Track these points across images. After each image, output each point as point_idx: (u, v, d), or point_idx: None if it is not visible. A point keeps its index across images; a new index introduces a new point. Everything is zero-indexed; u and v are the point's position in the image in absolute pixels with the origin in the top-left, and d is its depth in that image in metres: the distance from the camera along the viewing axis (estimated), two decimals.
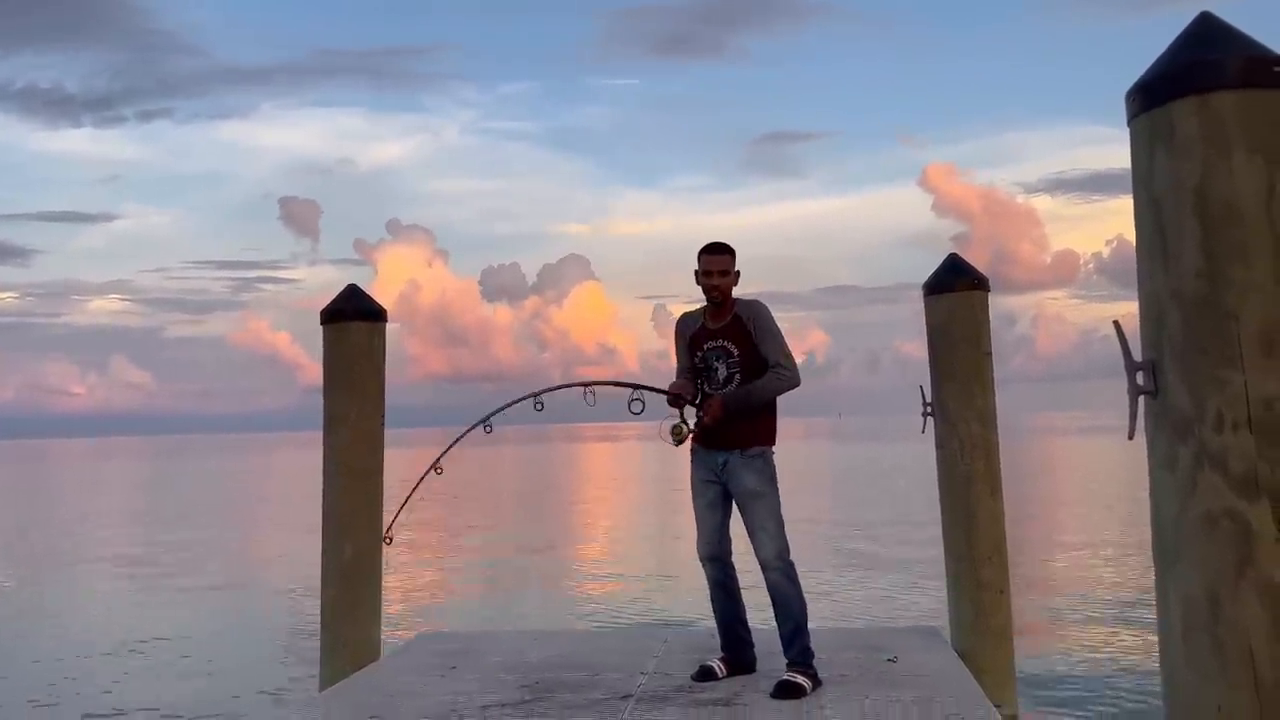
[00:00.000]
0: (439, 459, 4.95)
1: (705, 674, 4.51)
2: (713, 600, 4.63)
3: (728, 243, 4.56)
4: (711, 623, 4.78)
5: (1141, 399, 2.07)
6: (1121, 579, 12.11)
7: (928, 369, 5.19)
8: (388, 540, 5.10)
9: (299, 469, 47.47)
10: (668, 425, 4.48)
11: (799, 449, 55.94)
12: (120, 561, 16.83)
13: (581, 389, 4.85)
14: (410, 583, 13.29)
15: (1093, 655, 8.44)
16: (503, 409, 4.82)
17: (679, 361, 4.68)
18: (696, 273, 4.52)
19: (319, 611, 5.20)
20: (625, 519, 23.54)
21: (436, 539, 18.55)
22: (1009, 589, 4.99)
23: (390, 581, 5.32)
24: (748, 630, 4.65)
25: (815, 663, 4.38)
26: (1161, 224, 2.05)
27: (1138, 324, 2.16)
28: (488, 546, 17.90)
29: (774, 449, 4.53)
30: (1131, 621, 9.69)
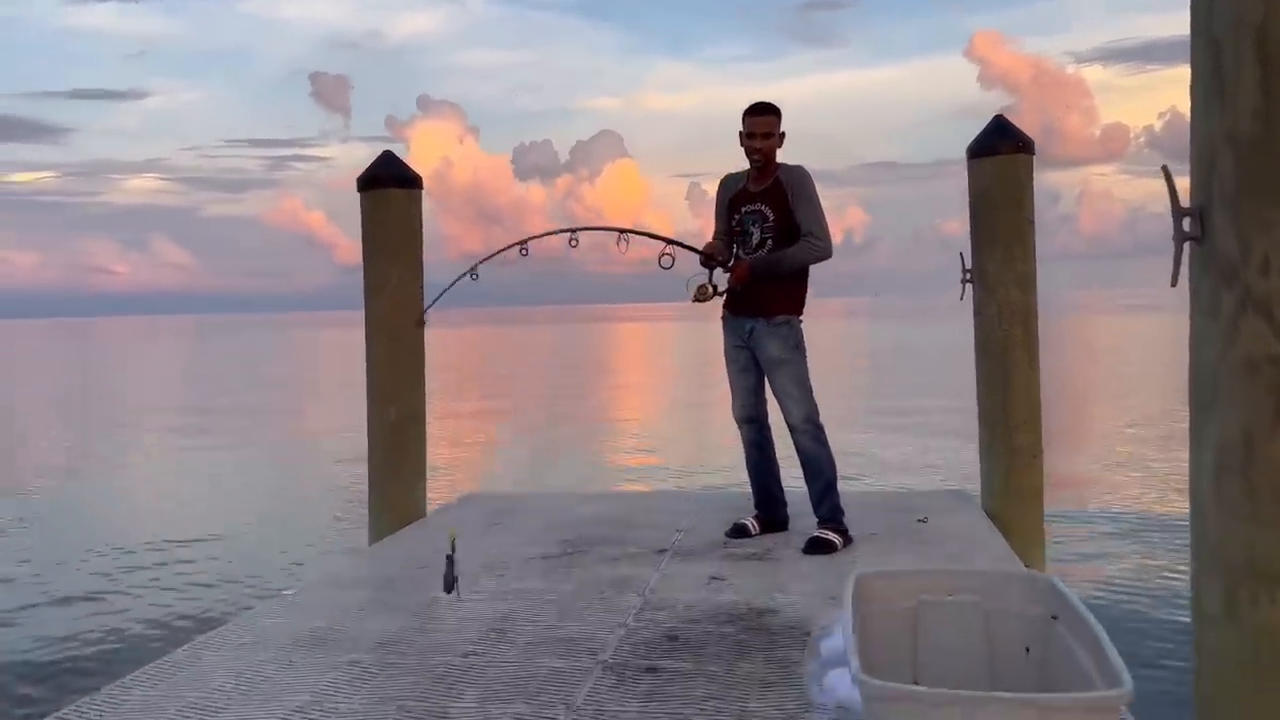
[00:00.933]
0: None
1: (739, 531, 4.64)
2: (747, 460, 4.74)
3: (773, 103, 4.47)
4: (745, 487, 4.90)
5: (1187, 246, 2.04)
6: (1152, 447, 12.15)
7: (968, 244, 5.12)
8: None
9: (342, 345, 48.23)
10: (694, 283, 4.50)
11: (835, 327, 55.81)
12: (172, 431, 17.41)
13: (616, 236, 4.89)
14: (450, 455, 13.66)
15: (1121, 515, 8.58)
16: (544, 235, 5.03)
17: (717, 224, 4.66)
18: (740, 134, 4.45)
19: (366, 474, 5.39)
20: (659, 392, 23.83)
21: (473, 416, 18.93)
22: (1042, 454, 5.04)
23: (431, 452, 5.47)
24: (781, 490, 4.76)
25: (846, 522, 4.49)
26: (1219, 64, 1.98)
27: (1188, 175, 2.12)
28: (524, 423, 18.26)
29: (801, 319, 4.54)
30: (1161, 486, 9.78)
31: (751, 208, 4.49)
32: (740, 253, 4.53)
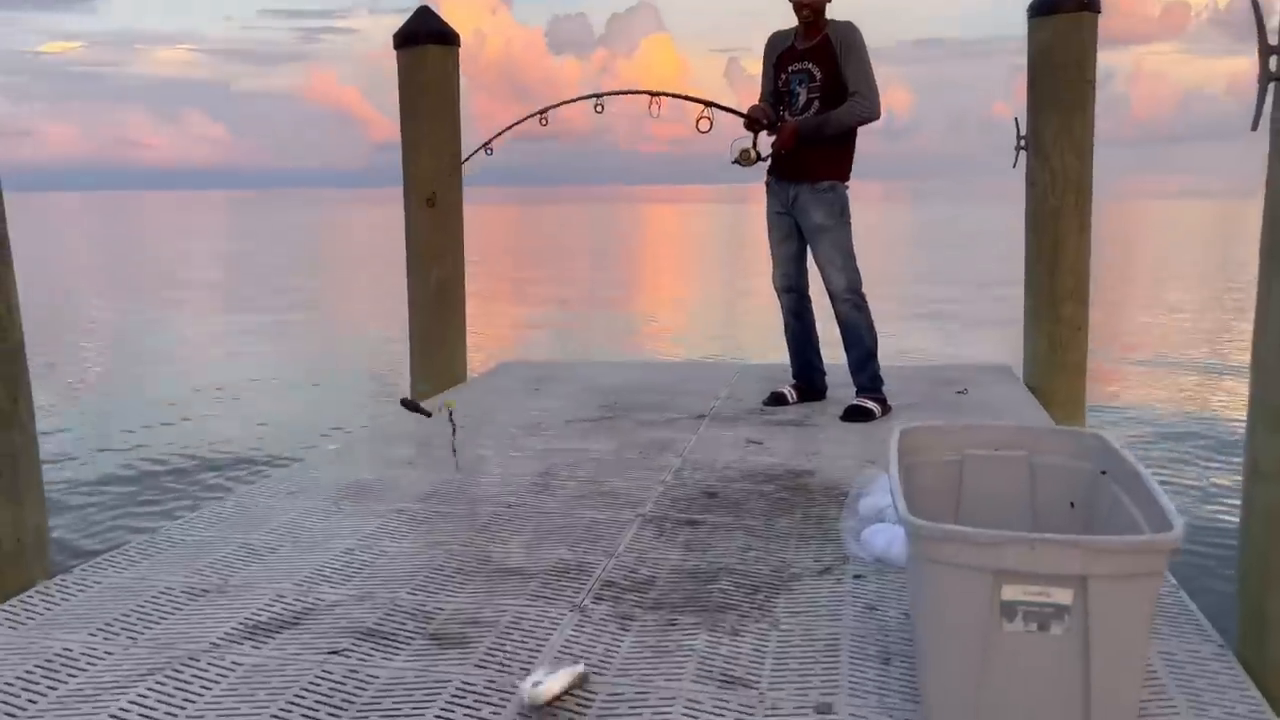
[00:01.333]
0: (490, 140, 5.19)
1: (776, 399, 4.65)
2: (786, 329, 4.71)
3: None
4: (785, 360, 4.88)
5: (1272, 87, 1.93)
6: (1200, 335, 11.96)
7: (1024, 114, 4.92)
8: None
9: (378, 222, 48.22)
10: (738, 145, 4.39)
11: (878, 210, 54.82)
12: (214, 302, 17.66)
13: (648, 99, 4.77)
14: (485, 329, 13.76)
15: (1164, 395, 8.52)
16: (565, 103, 4.96)
17: (763, 85, 4.51)
18: None
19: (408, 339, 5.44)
20: (696, 271, 23.70)
21: (507, 292, 18.97)
22: (1087, 328, 4.96)
23: (470, 321, 5.50)
24: (820, 359, 4.74)
25: (885, 392, 4.48)
26: None
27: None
28: (559, 298, 18.28)
29: (848, 184, 4.42)
30: (1207, 371, 9.66)
31: (798, 66, 4.33)
32: (786, 115, 4.39)
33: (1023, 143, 4.93)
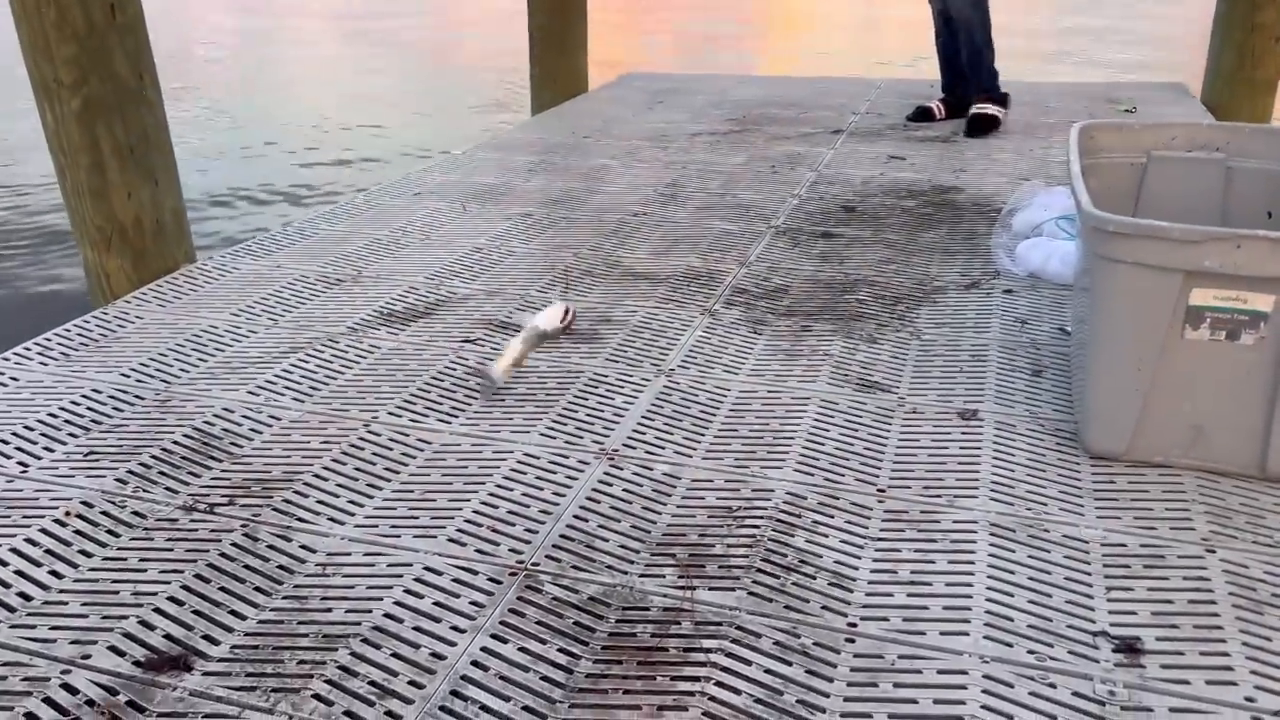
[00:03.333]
0: None
1: (922, 114, 4.31)
2: (935, 35, 4.28)
3: None
4: (932, 78, 4.47)
5: None
6: None
7: None
8: None
9: None
10: None
11: None
12: (321, 16, 17.34)
13: None
14: (606, 43, 13.15)
15: None
16: None
17: None
18: None
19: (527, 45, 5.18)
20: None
21: (634, 10, 17.98)
22: None
23: (592, 29, 5.18)
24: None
25: (1003, 88, 4.08)
26: None
27: None
28: (683, 11, 17.25)
29: None
30: None
31: None
32: None
33: None
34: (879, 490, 1.64)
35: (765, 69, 11.69)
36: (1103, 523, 1.54)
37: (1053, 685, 1.23)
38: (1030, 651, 1.28)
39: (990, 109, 4.03)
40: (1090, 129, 2.04)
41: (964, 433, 1.81)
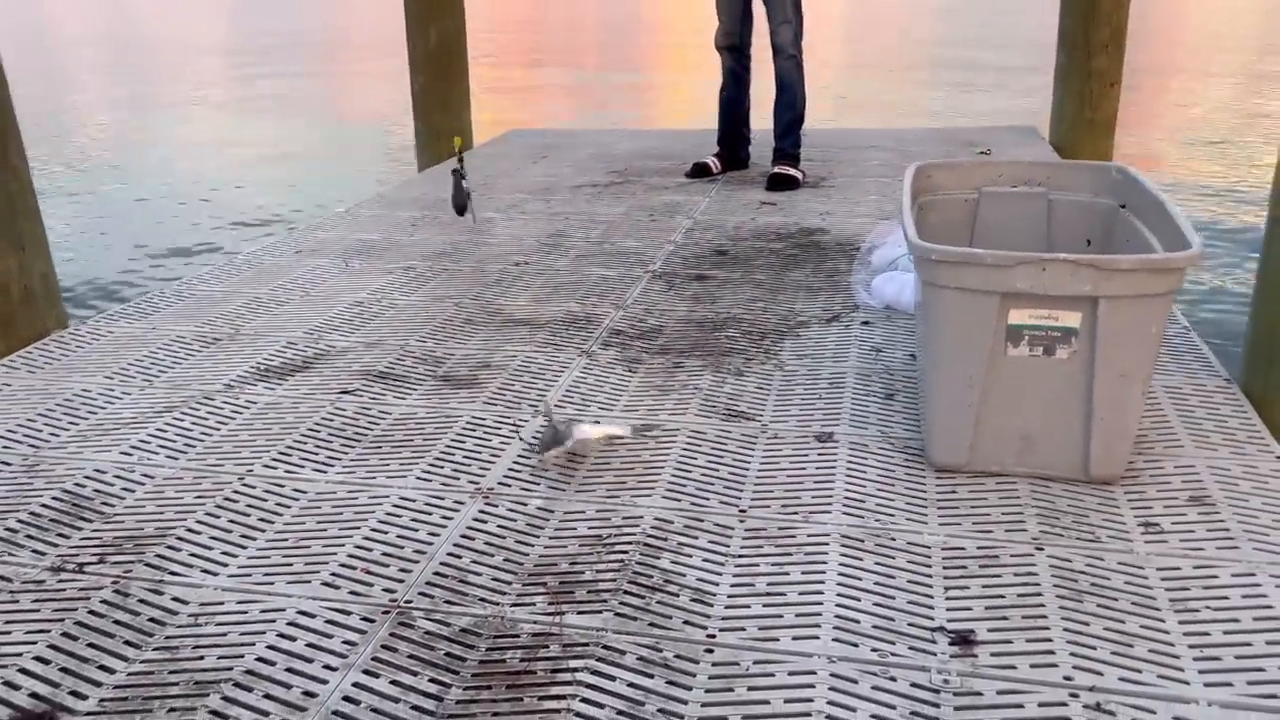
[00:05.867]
0: None
1: (700, 170, 4.44)
2: (721, 90, 4.46)
3: None
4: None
5: None
6: (1234, 113, 11.48)
7: None
8: None
9: None
10: None
11: None
12: (219, 68, 17.13)
13: None
14: (494, 102, 13.33)
15: (1192, 173, 8.27)
16: None
17: None
18: None
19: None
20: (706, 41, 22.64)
21: (515, 67, 18.26)
22: (1120, 84, 4.73)
23: (474, 87, 5.28)
24: (749, 128, 4.56)
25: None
26: None
27: None
28: (565, 73, 17.60)
29: None
30: (1231, 147, 9.33)
31: None
32: None
33: None
34: (741, 511, 1.73)
35: (653, 121, 12.01)
36: (944, 529, 1.66)
37: (893, 679, 1.32)
38: (874, 650, 1.38)
39: (793, 171, 4.23)
40: (926, 168, 2.21)
41: (820, 454, 1.92)
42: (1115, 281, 1.61)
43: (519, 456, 1.94)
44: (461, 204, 3.59)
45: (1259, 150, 8.49)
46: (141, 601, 1.52)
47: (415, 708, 1.29)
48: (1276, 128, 9.16)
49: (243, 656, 1.39)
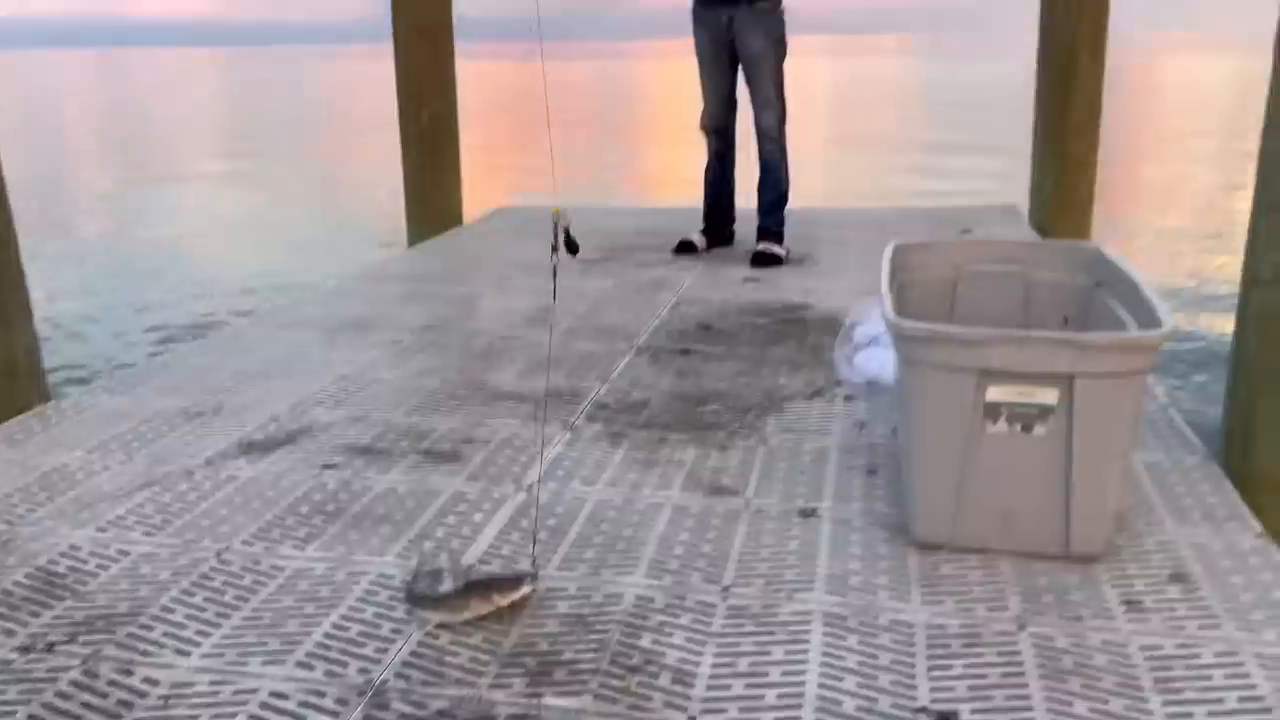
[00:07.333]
0: None
1: (686, 247, 4.52)
2: (706, 172, 4.55)
3: None
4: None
5: None
6: (1212, 189, 11.74)
7: None
8: None
9: (379, 76, 46.92)
10: None
11: (872, 65, 53.04)
12: (212, 160, 17.37)
13: None
14: (481, 184, 13.52)
15: (1168, 238, 8.42)
16: None
17: None
18: None
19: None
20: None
21: (500, 151, 18.58)
22: (1096, 165, 4.84)
23: (464, 169, 5.39)
24: (733, 207, 4.64)
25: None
26: None
27: None
28: (556, 147, 17.90)
29: (783, 5, 4.20)
30: (1211, 211, 9.53)
31: None
32: None
33: None
34: (723, 588, 1.72)
35: (644, 197, 12.19)
36: (927, 607, 1.65)
37: None
38: None
39: (777, 249, 4.29)
40: (905, 248, 2.25)
41: (804, 530, 1.91)
42: (1090, 359, 1.63)
43: (500, 532, 1.93)
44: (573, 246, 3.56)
45: (1233, 223, 8.65)
46: (110, 683, 1.49)
47: None
48: (1246, 203, 9.31)
49: None
